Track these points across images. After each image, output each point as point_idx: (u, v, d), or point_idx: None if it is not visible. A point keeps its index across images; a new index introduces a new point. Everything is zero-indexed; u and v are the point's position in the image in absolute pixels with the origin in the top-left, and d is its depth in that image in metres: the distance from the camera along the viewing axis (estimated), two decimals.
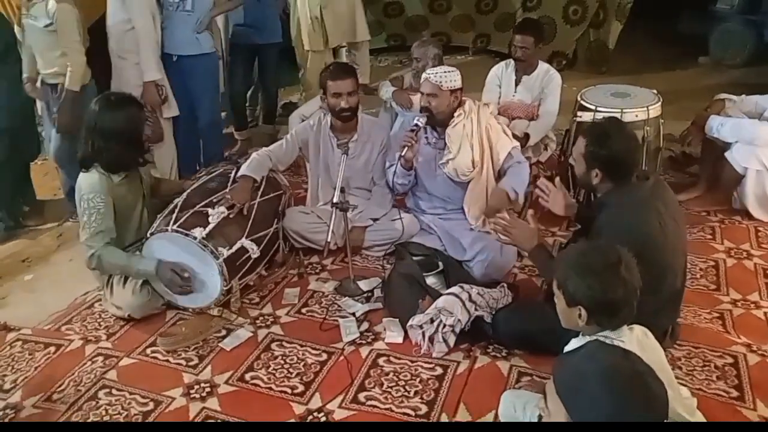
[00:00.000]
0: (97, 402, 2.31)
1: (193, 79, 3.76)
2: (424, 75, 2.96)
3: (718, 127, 3.29)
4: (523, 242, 2.35)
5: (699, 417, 1.84)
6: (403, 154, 2.89)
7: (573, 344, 1.72)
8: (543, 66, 3.82)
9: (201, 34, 3.70)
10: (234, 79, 4.49)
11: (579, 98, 3.42)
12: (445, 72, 2.91)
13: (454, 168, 2.98)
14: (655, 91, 3.41)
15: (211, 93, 3.93)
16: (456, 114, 2.96)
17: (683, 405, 1.78)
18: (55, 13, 3.26)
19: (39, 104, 3.76)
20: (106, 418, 2.24)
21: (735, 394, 2.20)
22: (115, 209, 2.67)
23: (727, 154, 3.30)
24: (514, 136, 3.24)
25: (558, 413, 1.50)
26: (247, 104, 4.86)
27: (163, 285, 2.64)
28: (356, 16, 4.61)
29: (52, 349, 2.61)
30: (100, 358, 2.53)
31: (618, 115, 3.05)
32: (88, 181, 2.65)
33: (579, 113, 3.34)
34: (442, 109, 2.92)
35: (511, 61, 3.82)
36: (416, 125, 2.91)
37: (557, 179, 2.54)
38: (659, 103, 3.29)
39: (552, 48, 5.90)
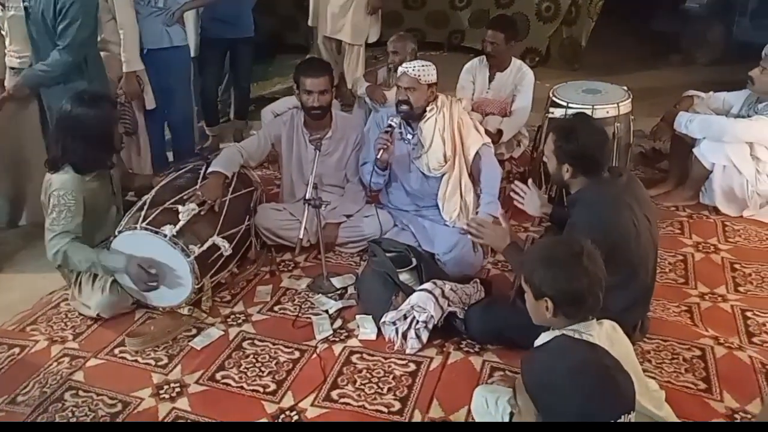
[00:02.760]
0: (63, 404, 2.26)
1: (163, 72, 3.70)
2: (401, 69, 2.94)
3: (687, 123, 3.34)
4: (496, 242, 2.34)
5: (667, 410, 1.86)
6: (378, 156, 2.88)
7: (543, 338, 1.73)
8: (516, 63, 3.84)
9: (172, 27, 3.65)
10: (205, 73, 4.42)
11: (551, 95, 3.44)
12: (422, 66, 2.90)
13: (426, 162, 2.98)
14: (625, 88, 3.45)
15: (182, 87, 3.87)
16: (428, 108, 2.95)
17: (651, 398, 1.80)
18: None
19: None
20: (73, 420, 2.19)
21: (703, 386, 2.24)
22: (85, 207, 2.61)
23: (695, 150, 3.36)
24: (488, 132, 3.25)
25: (528, 409, 1.50)
26: (218, 99, 4.79)
27: (130, 281, 2.59)
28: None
29: (17, 350, 2.55)
30: (67, 359, 2.48)
31: (589, 112, 3.08)
32: (60, 178, 2.59)
33: (551, 109, 3.36)
34: (420, 103, 2.92)
35: (485, 57, 3.83)
36: (390, 126, 2.90)
37: (530, 180, 2.55)
38: (629, 100, 3.32)
39: (525, 45, 5.94)
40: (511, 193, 2.61)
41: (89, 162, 2.64)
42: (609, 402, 1.48)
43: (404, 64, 2.95)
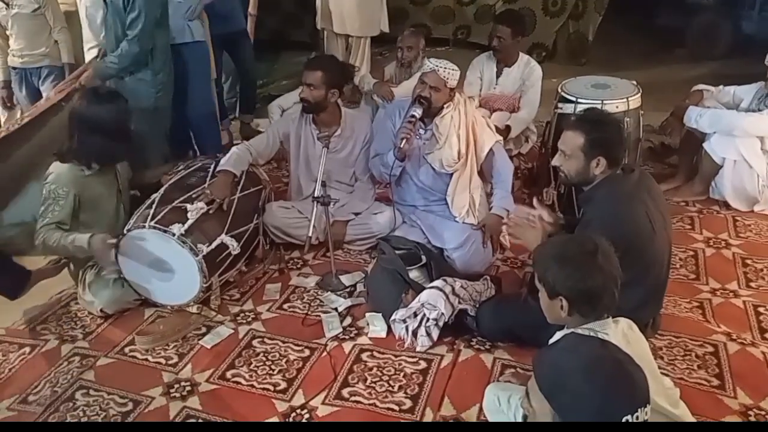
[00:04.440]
0: (75, 403, 2.26)
1: (185, 67, 3.70)
2: (431, 65, 2.86)
3: (697, 117, 3.32)
4: (530, 242, 2.30)
5: (682, 408, 1.84)
6: (401, 146, 2.86)
7: (557, 338, 1.71)
8: (524, 58, 3.82)
9: (192, 22, 3.64)
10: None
11: (560, 90, 3.41)
12: (453, 69, 2.85)
13: (440, 159, 2.96)
14: (635, 83, 3.42)
15: (203, 82, 3.85)
16: (445, 105, 2.93)
17: (666, 396, 1.78)
18: None
19: (20, 95, 3.87)
20: (84, 420, 2.19)
21: (716, 382, 2.23)
22: (80, 202, 2.64)
23: (705, 145, 3.33)
24: (496, 129, 3.23)
25: (543, 410, 1.49)
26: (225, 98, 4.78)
27: (134, 277, 2.61)
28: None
29: (27, 349, 2.55)
30: (77, 358, 2.48)
31: (599, 107, 3.05)
32: (57, 170, 2.63)
33: (560, 105, 3.34)
34: (438, 104, 2.90)
35: (492, 53, 3.81)
36: (413, 116, 2.86)
37: (535, 201, 2.41)
38: (639, 95, 3.29)
39: (532, 40, 5.91)
40: (506, 230, 2.52)
41: (100, 154, 2.65)
42: (624, 396, 1.47)
43: (434, 61, 2.87)
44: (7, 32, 3.73)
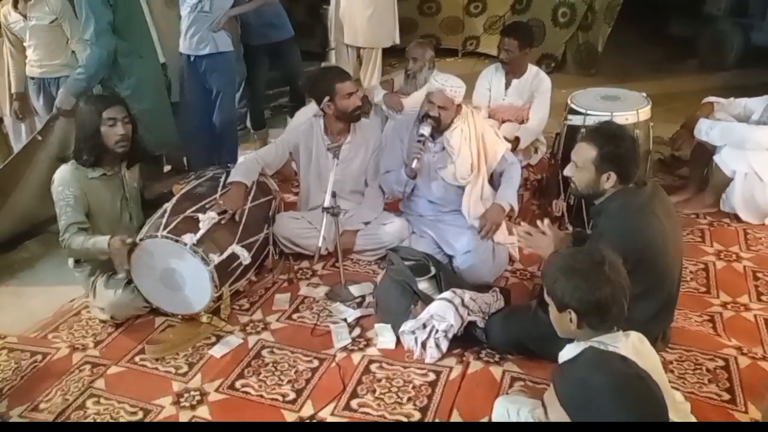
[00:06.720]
0: (85, 411, 2.27)
1: (209, 78, 3.77)
2: (438, 84, 2.87)
3: (708, 130, 3.31)
4: (541, 250, 2.33)
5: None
6: (414, 166, 2.88)
7: (568, 350, 1.71)
8: (533, 69, 3.82)
9: (217, 33, 3.69)
10: (255, 80, 4.56)
11: (569, 102, 3.40)
12: (459, 87, 2.87)
13: (453, 173, 2.97)
14: (644, 95, 3.41)
15: (227, 91, 3.92)
16: (454, 119, 2.94)
17: (677, 410, 1.78)
18: (60, 5, 3.62)
19: (37, 104, 3.89)
20: None
21: (726, 397, 2.21)
22: (89, 203, 2.69)
23: (716, 157, 3.32)
24: (505, 139, 3.24)
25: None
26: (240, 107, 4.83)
27: (146, 285, 2.64)
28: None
29: (39, 357, 2.57)
30: (88, 367, 2.50)
31: (608, 119, 3.05)
32: (60, 173, 2.69)
33: (569, 117, 3.33)
34: (448, 122, 2.92)
35: (501, 64, 3.82)
36: (422, 135, 2.87)
37: (543, 221, 2.37)
38: (649, 106, 3.28)
39: (541, 51, 5.93)
40: (517, 237, 2.50)
41: (93, 156, 2.69)
42: (650, 415, 1.47)
43: (441, 80, 2.89)
44: (25, 44, 3.79)
